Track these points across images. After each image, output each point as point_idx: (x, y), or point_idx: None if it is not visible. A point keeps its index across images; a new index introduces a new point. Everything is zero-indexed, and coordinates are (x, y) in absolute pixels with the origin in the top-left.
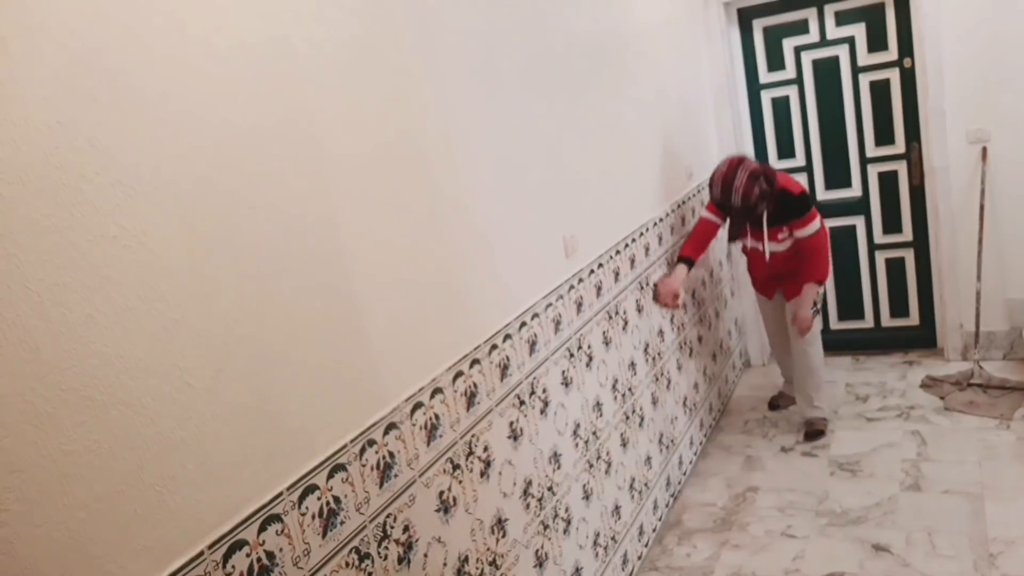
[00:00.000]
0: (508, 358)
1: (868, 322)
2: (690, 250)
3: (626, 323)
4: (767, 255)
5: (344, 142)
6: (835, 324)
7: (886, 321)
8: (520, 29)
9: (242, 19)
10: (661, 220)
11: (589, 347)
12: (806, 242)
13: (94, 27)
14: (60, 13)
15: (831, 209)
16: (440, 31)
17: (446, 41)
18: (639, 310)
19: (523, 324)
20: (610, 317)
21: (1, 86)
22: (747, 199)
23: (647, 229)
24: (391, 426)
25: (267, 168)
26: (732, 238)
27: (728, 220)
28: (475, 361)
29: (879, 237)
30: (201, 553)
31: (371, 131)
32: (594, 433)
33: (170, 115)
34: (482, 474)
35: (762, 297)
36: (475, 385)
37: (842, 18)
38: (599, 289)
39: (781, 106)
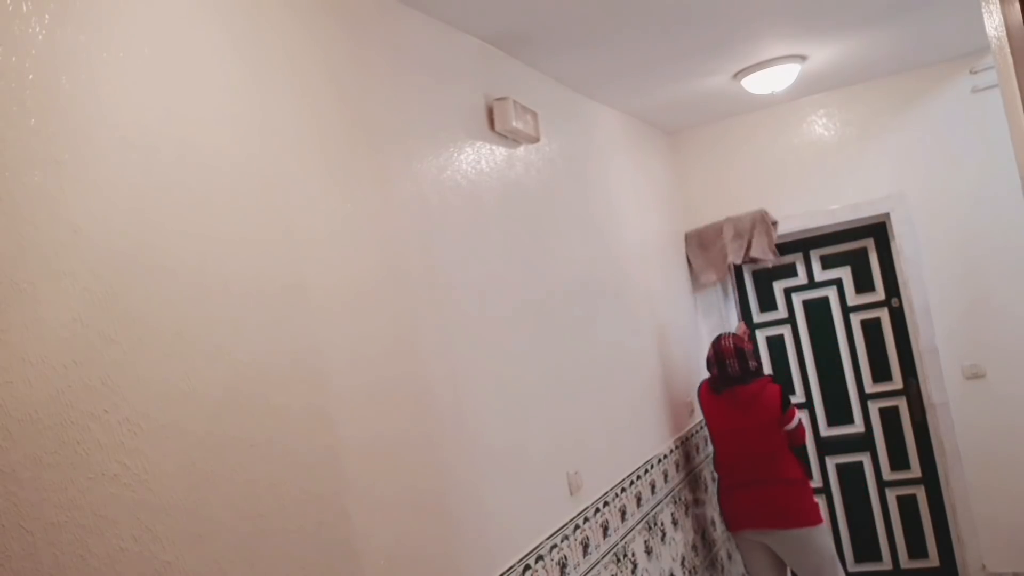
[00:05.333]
0: None
1: (886, 563)
2: None
3: (635, 566)
4: None
5: (350, 378)
6: (852, 567)
7: (905, 563)
8: (519, 277)
9: (262, 265)
10: (666, 456)
11: None
12: None
13: (117, 271)
14: (85, 257)
15: (836, 446)
16: (445, 278)
17: (451, 287)
18: (648, 552)
19: (527, 568)
20: (618, 560)
21: (25, 328)
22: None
23: (652, 466)
24: None
25: (274, 403)
26: None
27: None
28: None
29: (887, 474)
30: None
31: (376, 368)
32: None
33: (183, 354)
34: None
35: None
36: None
37: (828, 262)
38: (605, 529)
39: (776, 345)
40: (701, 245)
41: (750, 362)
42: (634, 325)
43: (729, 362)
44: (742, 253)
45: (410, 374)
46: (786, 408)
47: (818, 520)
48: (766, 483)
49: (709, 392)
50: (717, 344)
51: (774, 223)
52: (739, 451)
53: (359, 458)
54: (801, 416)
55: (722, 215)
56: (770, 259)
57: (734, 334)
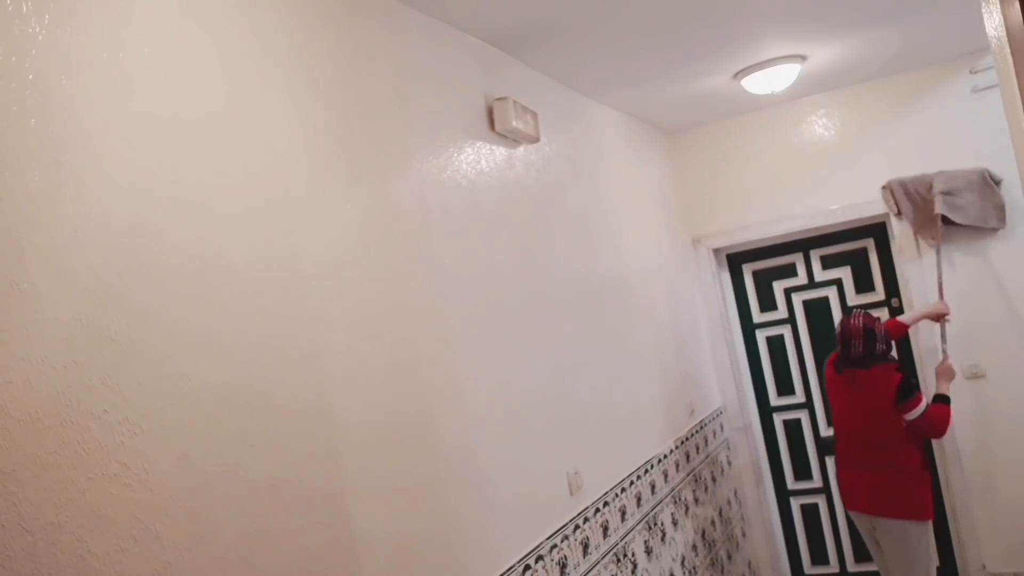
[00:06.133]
0: None
1: None
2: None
3: (635, 566)
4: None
5: (350, 378)
6: (852, 566)
7: None
8: (519, 277)
9: (261, 265)
10: (666, 457)
11: None
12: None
13: (117, 271)
14: (85, 257)
15: None
16: (445, 276)
17: (450, 286)
18: (648, 552)
19: (527, 568)
20: (618, 560)
21: (25, 327)
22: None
23: (652, 466)
24: None
25: (274, 403)
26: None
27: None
28: None
29: None
30: None
31: (376, 368)
32: None
33: (183, 354)
34: None
35: None
36: None
37: (828, 262)
38: (605, 529)
39: (776, 345)
40: (908, 196)
41: (878, 345)
42: (634, 324)
43: (854, 343)
44: (952, 214)
45: (410, 374)
46: (903, 398)
47: (921, 516)
48: (877, 468)
49: (833, 369)
50: (845, 322)
51: (998, 182)
52: (853, 433)
53: (359, 458)
54: (929, 403)
55: (722, 214)
56: (993, 224)
57: (865, 312)
